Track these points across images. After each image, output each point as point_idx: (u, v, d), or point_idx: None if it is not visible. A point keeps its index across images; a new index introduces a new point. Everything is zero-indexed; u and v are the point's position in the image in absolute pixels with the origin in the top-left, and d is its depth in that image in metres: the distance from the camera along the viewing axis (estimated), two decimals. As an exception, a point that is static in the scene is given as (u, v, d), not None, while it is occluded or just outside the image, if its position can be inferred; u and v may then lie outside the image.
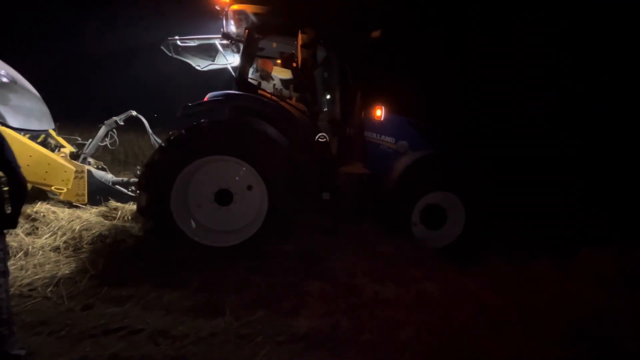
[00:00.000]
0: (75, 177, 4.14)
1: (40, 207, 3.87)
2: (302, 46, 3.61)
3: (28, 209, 3.78)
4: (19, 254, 3.18)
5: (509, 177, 4.49)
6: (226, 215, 3.50)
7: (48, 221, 3.70)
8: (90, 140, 4.85)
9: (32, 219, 3.70)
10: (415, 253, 3.48)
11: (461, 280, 3.12)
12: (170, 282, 2.88)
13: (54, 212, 3.85)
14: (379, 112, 4.12)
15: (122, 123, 5.00)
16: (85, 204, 4.22)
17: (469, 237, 3.84)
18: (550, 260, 3.50)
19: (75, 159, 4.46)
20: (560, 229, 4.27)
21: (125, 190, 4.50)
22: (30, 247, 3.27)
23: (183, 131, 3.32)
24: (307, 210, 3.59)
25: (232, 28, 4.08)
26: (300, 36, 3.63)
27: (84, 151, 4.71)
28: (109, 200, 4.33)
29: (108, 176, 4.65)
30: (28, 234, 3.47)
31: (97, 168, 4.71)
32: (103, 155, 5.63)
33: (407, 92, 4.50)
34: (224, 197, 3.48)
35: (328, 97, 4.61)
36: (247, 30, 3.88)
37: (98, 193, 4.28)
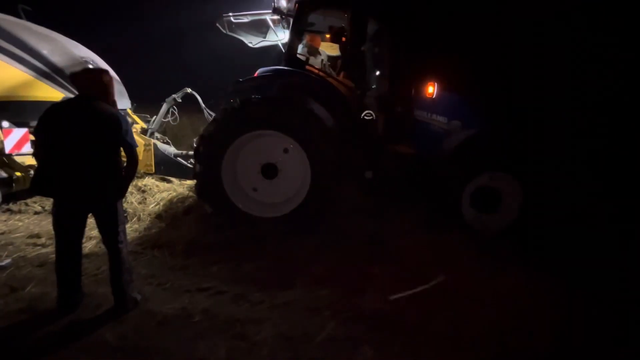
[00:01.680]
0: (145, 150, 4.73)
1: (148, 181, 4.63)
2: (352, 19, 3.43)
3: (139, 182, 4.56)
4: (134, 219, 3.88)
5: (573, 158, 3.79)
6: (272, 188, 3.62)
7: (153, 193, 4.42)
8: (155, 117, 5.46)
9: (142, 191, 4.46)
10: (484, 242, 3.24)
11: (538, 277, 2.79)
12: (247, 252, 3.20)
13: (157, 186, 4.58)
14: (431, 89, 3.78)
15: (180, 100, 5.45)
16: (151, 173, 4.79)
17: (527, 222, 3.45)
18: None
19: (144, 134, 5.10)
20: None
21: (185, 162, 4.97)
22: (141, 214, 3.96)
23: (228, 108, 3.45)
24: (349, 188, 3.54)
25: (283, 3, 4.08)
26: (350, 8, 3.44)
27: (150, 127, 5.35)
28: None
29: (170, 149, 5.19)
30: (139, 203, 4.20)
31: (162, 142, 5.29)
32: (181, 131, 6.26)
33: (464, 67, 4.00)
34: (269, 171, 3.59)
35: (377, 73, 4.37)
36: (297, 5, 3.85)
37: (162, 164, 4.84)
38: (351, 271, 2.89)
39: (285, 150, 3.56)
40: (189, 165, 4.94)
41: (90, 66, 4.66)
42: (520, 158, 3.46)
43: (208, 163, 3.45)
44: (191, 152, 5.07)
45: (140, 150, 4.69)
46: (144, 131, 5.30)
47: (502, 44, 4.19)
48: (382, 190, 3.75)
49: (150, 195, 4.36)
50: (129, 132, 2.27)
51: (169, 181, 4.92)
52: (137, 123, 5.45)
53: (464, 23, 4.02)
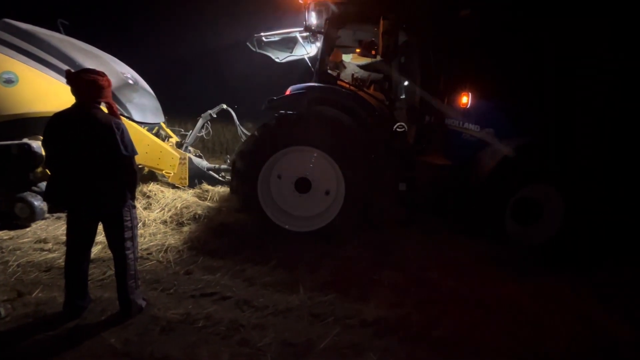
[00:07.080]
0: (180, 163, 4.81)
1: (153, 186, 4.67)
2: (383, 33, 3.48)
3: (144, 188, 4.60)
4: (139, 225, 3.90)
5: (616, 167, 3.75)
6: (305, 202, 3.68)
7: (158, 199, 4.45)
8: (191, 131, 5.60)
9: (147, 196, 4.49)
10: (500, 250, 3.22)
11: (558, 288, 2.77)
12: (251, 258, 3.21)
13: (162, 191, 4.61)
14: (465, 99, 3.79)
15: (215, 116, 5.61)
16: (185, 186, 4.92)
17: (568, 237, 3.40)
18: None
19: (179, 148, 5.19)
20: None
21: (216, 176, 5.08)
22: (146, 219, 3.99)
23: (264, 126, 3.57)
24: (383, 201, 3.57)
25: (313, 20, 4.18)
26: (381, 22, 3.51)
27: (185, 141, 5.46)
28: (202, 183, 4.98)
29: (203, 163, 5.30)
30: (145, 208, 4.23)
31: (196, 156, 5.41)
32: (208, 143, 6.43)
33: (496, 75, 4.00)
34: (303, 185, 3.66)
35: (406, 84, 4.42)
36: (327, 22, 3.94)
37: (195, 177, 4.93)
38: (355, 278, 2.88)
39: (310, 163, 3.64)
40: (220, 178, 5.05)
41: (130, 81, 4.77)
42: (563, 169, 3.41)
43: (245, 178, 3.59)
44: (223, 166, 5.28)
45: (175, 163, 4.78)
46: (179, 145, 5.38)
47: (540, 49, 4.16)
48: (414, 201, 3.76)
49: (155, 201, 4.39)
50: (124, 140, 2.20)
51: (174, 187, 4.96)
52: (171, 137, 5.52)
53: (501, 30, 4.02)
